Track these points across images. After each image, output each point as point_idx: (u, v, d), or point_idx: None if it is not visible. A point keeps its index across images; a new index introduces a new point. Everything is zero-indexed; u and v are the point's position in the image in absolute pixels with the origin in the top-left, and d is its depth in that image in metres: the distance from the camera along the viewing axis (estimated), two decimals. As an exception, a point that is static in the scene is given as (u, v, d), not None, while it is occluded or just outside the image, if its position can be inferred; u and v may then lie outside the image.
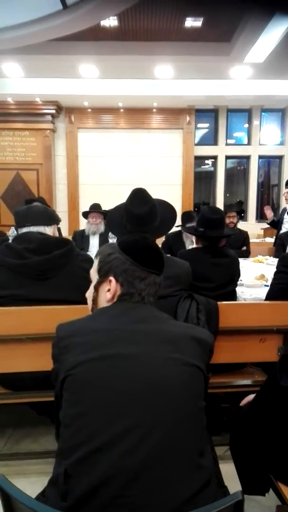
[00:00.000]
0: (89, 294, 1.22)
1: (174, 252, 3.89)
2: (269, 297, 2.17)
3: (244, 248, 4.84)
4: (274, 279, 2.20)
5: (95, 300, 1.18)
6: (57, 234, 2.03)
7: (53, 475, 0.95)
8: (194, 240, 2.65)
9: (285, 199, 5.17)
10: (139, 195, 1.89)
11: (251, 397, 1.44)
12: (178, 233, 4.42)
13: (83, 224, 5.14)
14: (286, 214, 5.14)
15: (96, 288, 1.18)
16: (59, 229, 5.39)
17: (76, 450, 0.89)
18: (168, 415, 0.92)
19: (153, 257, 1.16)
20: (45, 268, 1.82)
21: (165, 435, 0.90)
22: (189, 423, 0.94)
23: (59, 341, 1.05)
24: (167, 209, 1.99)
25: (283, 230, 5.05)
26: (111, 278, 1.13)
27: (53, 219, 2.01)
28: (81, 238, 4.71)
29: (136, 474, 0.85)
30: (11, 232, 4.92)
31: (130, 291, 1.11)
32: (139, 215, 1.81)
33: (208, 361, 1.09)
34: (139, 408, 0.91)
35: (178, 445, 0.91)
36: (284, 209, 5.22)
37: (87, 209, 4.87)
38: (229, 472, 1.30)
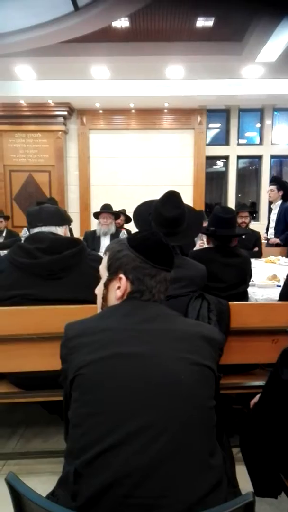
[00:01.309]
0: (99, 291, 1.21)
1: (184, 251, 3.87)
2: (282, 297, 2.15)
3: (256, 249, 4.80)
4: (287, 279, 2.18)
5: (105, 297, 1.17)
6: (68, 234, 2.05)
7: (62, 474, 0.95)
8: (204, 240, 2.64)
9: (269, 196, 5.18)
10: (173, 198, 1.92)
11: (257, 398, 1.43)
12: None
13: (94, 225, 5.17)
14: None
15: (106, 286, 1.16)
16: (70, 230, 5.44)
17: (86, 450, 0.89)
18: (178, 415, 0.91)
19: (163, 254, 1.14)
20: (56, 267, 1.83)
21: (175, 435, 0.89)
22: (199, 423, 0.93)
23: (68, 341, 1.05)
24: (194, 215, 2.03)
25: None
26: (121, 275, 1.12)
27: (64, 219, 2.02)
28: (92, 239, 4.74)
29: (147, 474, 0.85)
30: (24, 233, 4.96)
31: (141, 288, 1.10)
32: (168, 218, 1.84)
33: (218, 360, 1.08)
34: (148, 408, 0.91)
35: (188, 445, 0.90)
36: None
37: (98, 210, 4.90)
38: (241, 474, 1.29)
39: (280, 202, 5.12)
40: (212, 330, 1.13)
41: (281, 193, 5.12)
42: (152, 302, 1.11)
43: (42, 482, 1.82)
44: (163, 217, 1.85)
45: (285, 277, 2.41)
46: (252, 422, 1.40)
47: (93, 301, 1.83)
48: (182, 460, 0.88)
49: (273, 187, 5.18)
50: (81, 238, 5.00)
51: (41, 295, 1.82)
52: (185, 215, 1.91)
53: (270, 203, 5.30)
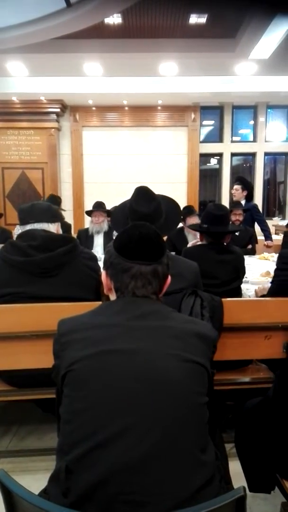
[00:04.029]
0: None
1: (178, 248, 3.88)
2: (270, 294, 2.17)
3: (250, 246, 4.81)
4: (274, 276, 2.20)
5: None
6: (60, 231, 2.04)
7: (54, 471, 0.95)
8: (198, 236, 2.64)
9: (234, 195, 5.29)
10: (143, 193, 1.86)
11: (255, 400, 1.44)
12: (180, 229, 4.42)
13: (88, 222, 5.15)
14: None
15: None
16: (69, 226, 5.39)
17: (77, 446, 0.89)
18: (168, 412, 0.91)
19: (139, 246, 1.08)
20: (49, 265, 1.82)
21: (166, 431, 0.89)
22: (190, 420, 0.94)
23: (60, 337, 1.05)
24: (171, 205, 1.97)
25: None
26: (103, 271, 1.14)
27: (56, 216, 2.01)
28: (86, 237, 4.72)
29: (138, 470, 0.85)
30: (17, 231, 4.92)
31: (117, 285, 1.09)
32: (144, 214, 1.77)
33: (211, 357, 1.08)
34: (139, 405, 0.91)
35: (179, 442, 0.90)
36: None
37: (91, 208, 4.87)
38: (234, 470, 1.29)
39: (244, 202, 5.23)
40: (206, 327, 1.12)
41: (245, 193, 5.27)
42: (146, 299, 1.08)
43: (36, 480, 1.81)
44: (139, 213, 1.79)
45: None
46: (250, 421, 1.41)
47: (87, 299, 1.84)
48: (173, 456, 0.88)
49: (238, 187, 5.32)
50: (75, 236, 4.98)
51: (34, 293, 1.82)
52: (161, 207, 1.88)
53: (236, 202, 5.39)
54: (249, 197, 5.34)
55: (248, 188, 5.34)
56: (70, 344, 1.01)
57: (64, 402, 0.97)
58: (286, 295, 2.00)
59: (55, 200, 5.26)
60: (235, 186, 5.40)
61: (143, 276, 1.07)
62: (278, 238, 5.70)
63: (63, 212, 5.34)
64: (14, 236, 2.24)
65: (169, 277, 1.15)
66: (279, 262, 2.17)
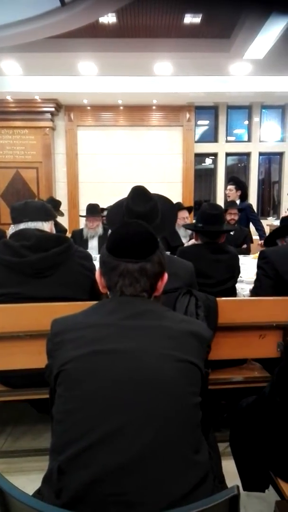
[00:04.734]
0: None
1: (171, 244, 3.88)
2: (258, 289, 2.19)
3: (245, 246, 4.83)
4: (257, 274, 2.23)
5: None
6: (54, 230, 2.02)
7: (47, 471, 0.94)
8: (190, 234, 2.64)
9: (228, 196, 5.33)
10: (140, 193, 1.87)
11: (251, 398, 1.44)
12: None
13: (83, 222, 5.11)
14: None
15: None
16: (64, 230, 5.30)
17: (69, 446, 0.89)
18: (161, 412, 0.91)
19: (127, 244, 1.07)
20: (43, 266, 1.81)
21: (158, 431, 0.89)
22: (183, 420, 0.93)
23: (53, 336, 1.04)
24: (167, 204, 1.98)
25: None
26: (98, 270, 1.13)
27: (50, 215, 2.00)
28: (80, 239, 4.67)
29: (130, 471, 0.85)
30: (11, 230, 4.87)
31: (108, 284, 1.08)
32: (140, 214, 1.77)
33: (206, 357, 1.07)
34: (132, 405, 0.91)
35: (171, 442, 0.90)
36: None
37: (86, 209, 4.82)
38: (229, 469, 1.29)
39: (238, 201, 5.25)
40: (201, 326, 1.11)
41: (239, 193, 5.29)
42: (140, 298, 1.07)
43: (31, 481, 1.81)
44: (135, 212, 1.79)
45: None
46: (244, 420, 1.41)
47: (81, 299, 1.83)
48: (165, 456, 0.88)
49: (232, 187, 5.35)
50: (69, 235, 4.96)
51: (28, 293, 1.80)
52: (158, 207, 1.88)
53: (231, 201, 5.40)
54: (243, 196, 5.37)
55: (242, 188, 5.37)
56: (63, 343, 1.00)
57: (57, 402, 0.97)
58: (273, 288, 2.02)
59: (55, 203, 5.17)
60: (229, 187, 5.43)
61: (130, 274, 1.05)
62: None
63: (61, 216, 5.33)
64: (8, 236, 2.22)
65: (165, 275, 1.12)
66: (258, 261, 2.22)
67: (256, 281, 2.25)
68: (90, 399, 0.92)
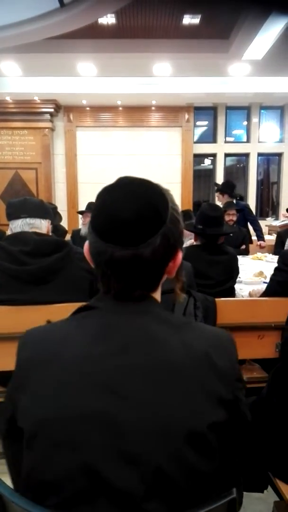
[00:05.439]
0: None
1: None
2: (267, 292, 2.18)
3: (244, 246, 4.83)
4: (273, 275, 2.20)
5: None
6: (50, 230, 1.99)
7: None
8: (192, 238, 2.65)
9: (218, 200, 5.33)
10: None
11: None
12: None
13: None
14: None
15: None
16: (64, 231, 5.28)
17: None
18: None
19: (115, 220, 0.73)
20: (43, 274, 1.78)
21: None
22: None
23: (20, 363, 0.76)
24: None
25: None
26: (86, 244, 0.82)
27: (48, 213, 1.97)
28: (79, 238, 4.69)
29: None
30: (10, 231, 4.86)
31: (95, 272, 0.78)
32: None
33: (236, 398, 0.74)
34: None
35: None
36: None
37: (84, 209, 4.84)
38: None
39: (234, 201, 5.23)
40: (224, 357, 0.74)
41: (226, 196, 5.16)
42: (132, 304, 0.76)
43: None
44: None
45: (272, 273, 2.43)
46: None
47: (83, 301, 1.82)
48: None
49: (218, 195, 5.32)
50: (69, 236, 4.97)
51: (28, 300, 1.78)
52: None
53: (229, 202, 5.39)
54: (233, 195, 5.24)
55: (226, 190, 5.22)
56: (26, 386, 0.72)
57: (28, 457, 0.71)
58: (280, 295, 2.01)
59: (52, 207, 5.16)
60: (216, 194, 5.41)
61: (117, 265, 0.73)
62: (271, 238, 5.73)
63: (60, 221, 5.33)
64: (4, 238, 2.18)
65: (179, 255, 0.81)
66: (280, 261, 2.16)
67: (269, 282, 2.22)
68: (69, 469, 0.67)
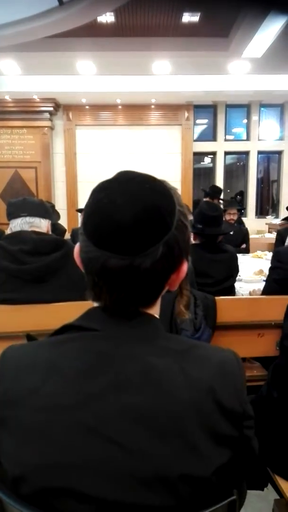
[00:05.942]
0: None
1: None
2: (264, 292, 2.18)
3: (244, 245, 4.83)
4: (268, 275, 2.22)
5: None
6: (50, 230, 2.00)
7: None
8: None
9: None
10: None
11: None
12: None
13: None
14: None
15: None
16: (63, 230, 5.30)
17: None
18: None
19: (110, 224, 0.62)
20: (42, 273, 1.79)
21: None
22: None
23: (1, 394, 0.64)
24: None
25: None
26: (76, 247, 0.74)
27: (48, 213, 1.98)
28: (79, 236, 4.69)
29: None
30: (9, 231, 4.86)
31: (86, 279, 0.68)
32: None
33: (246, 437, 0.67)
34: None
35: None
36: None
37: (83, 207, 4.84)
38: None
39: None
40: (230, 389, 0.65)
41: (216, 201, 5.15)
42: (124, 325, 0.65)
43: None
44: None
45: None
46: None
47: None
48: None
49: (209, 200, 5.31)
50: (68, 234, 4.97)
51: (27, 299, 1.78)
52: None
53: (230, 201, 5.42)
54: (221, 199, 5.29)
55: (215, 194, 5.27)
56: (6, 425, 0.62)
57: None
58: (279, 294, 2.01)
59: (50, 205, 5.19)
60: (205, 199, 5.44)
61: (110, 276, 0.63)
62: (271, 236, 5.73)
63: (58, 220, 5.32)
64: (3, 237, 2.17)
65: (184, 266, 0.72)
66: (272, 260, 2.18)
67: (266, 282, 2.24)
68: None
